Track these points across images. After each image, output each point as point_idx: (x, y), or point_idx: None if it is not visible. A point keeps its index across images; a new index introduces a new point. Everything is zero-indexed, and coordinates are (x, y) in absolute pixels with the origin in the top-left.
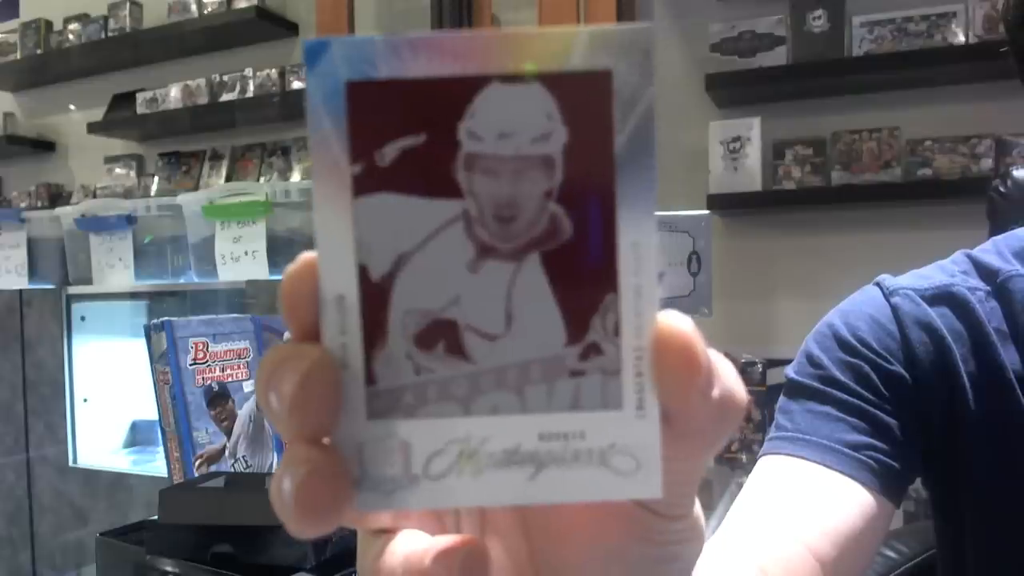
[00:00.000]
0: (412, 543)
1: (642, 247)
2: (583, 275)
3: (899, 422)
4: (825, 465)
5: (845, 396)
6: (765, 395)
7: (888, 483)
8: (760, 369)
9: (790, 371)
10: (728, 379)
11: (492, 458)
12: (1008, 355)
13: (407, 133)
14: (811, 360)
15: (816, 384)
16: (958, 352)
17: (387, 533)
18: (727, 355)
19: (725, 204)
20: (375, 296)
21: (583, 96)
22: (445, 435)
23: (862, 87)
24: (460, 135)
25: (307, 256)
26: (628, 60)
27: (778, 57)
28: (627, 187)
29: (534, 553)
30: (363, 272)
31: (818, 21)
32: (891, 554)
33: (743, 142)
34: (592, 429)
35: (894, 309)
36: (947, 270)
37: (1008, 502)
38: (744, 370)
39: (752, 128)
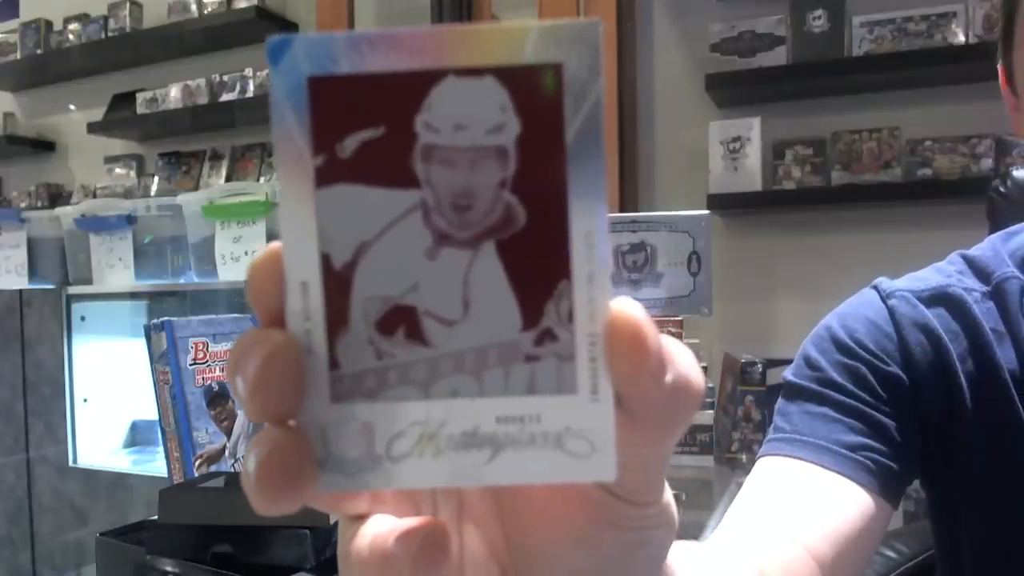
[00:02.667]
0: (380, 526)
1: (594, 235)
2: (537, 262)
3: (896, 423)
4: (823, 466)
5: (842, 397)
6: (765, 395)
7: (886, 484)
8: (760, 369)
9: (788, 373)
10: (683, 365)
11: (451, 440)
12: (1004, 355)
13: (367, 126)
14: (809, 362)
15: (814, 386)
16: (955, 352)
17: (363, 518)
18: (726, 354)
19: (725, 204)
20: (337, 283)
21: (535, 89)
22: (406, 418)
23: (862, 87)
24: (417, 127)
25: (272, 245)
26: (578, 54)
27: (778, 57)
28: (578, 177)
29: (508, 538)
30: (326, 260)
31: (818, 21)
32: (891, 554)
33: (743, 142)
34: (548, 413)
35: (891, 311)
36: (943, 271)
37: (1004, 501)
38: (744, 370)
39: (752, 128)
